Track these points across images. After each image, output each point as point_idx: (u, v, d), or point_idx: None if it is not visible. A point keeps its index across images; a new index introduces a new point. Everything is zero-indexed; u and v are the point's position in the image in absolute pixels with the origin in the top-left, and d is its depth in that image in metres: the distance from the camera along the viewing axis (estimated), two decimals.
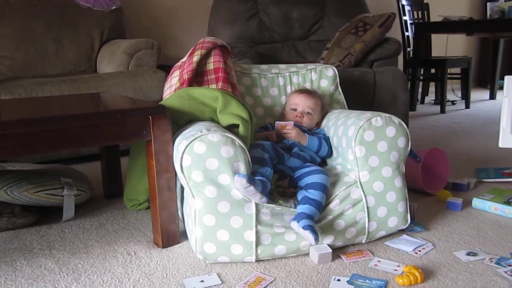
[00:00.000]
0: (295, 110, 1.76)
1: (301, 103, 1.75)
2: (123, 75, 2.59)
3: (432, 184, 1.98)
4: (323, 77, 1.92)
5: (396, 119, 1.50)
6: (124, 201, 1.87)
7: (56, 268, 1.39)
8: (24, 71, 2.88)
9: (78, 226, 1.70)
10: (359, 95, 2.15)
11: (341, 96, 1.93)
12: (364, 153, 1.46)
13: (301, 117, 1.73)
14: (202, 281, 1.28)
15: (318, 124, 1.79)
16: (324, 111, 1.81)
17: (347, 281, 1.28)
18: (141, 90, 2.56)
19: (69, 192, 1.74)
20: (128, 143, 1.54)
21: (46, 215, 1.77)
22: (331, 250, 1.39)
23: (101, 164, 2.04)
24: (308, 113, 1.74)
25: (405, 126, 1.51)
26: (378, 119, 1.48)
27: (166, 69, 2.65)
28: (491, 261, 1.39)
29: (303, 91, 1.80)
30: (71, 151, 2.46)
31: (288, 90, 1.90)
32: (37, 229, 1.67)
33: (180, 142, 1.34)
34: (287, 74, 1.91)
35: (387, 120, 1.48)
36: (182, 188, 1.54)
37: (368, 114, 1.52)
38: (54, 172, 1.85)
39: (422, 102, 4.83)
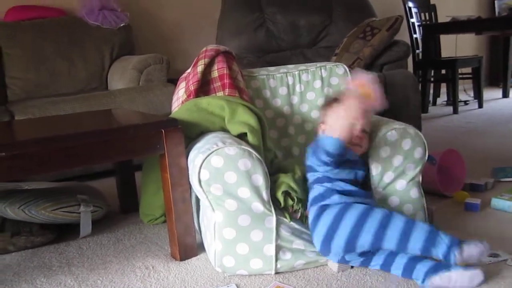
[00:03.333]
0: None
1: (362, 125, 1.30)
2: (134, 90, 2.62)
3: (449, 186, 1.95)
4: (333, 75, 1.87)
5: (412, 130, 1.45)
6: (140, 216, 1.88)
7: (76, 285, 1.39)
8: (37, 91, 2.92)
9: (95, 242, 1.70)
10: None
11: None
12: (380, 170, 1.43)
13: (361, 140, 1.43)
14: None
15: None
16: None
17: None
18: (152, 104, 2.57)
19: (86, 209, 1.75)
20: (142, 157, 1.55)
21: (64, 232, 1.78)
22: None
23: (115, 180, 2.06)
24: (366, 132, 1.44)
25: (422, 136, 1.46)
26: (393, 133, 1.42)
27: (176, 82, 2.66)
28: None
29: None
30: (85, 168, 2.48)
31: (297, 89, 1.84)
32: (55, 247, 1.68)
33: (196, 157, 1.34)
34: (296, 72, 1.86)
35: (402, 133, 1.43)
36: (197, 199, 1.54)
37: (381, 127, 1.47)
38: (70, 189, 1.87)
39: (434, 103, 4.79)
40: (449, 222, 1.68)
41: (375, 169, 1.43)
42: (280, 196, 1.37)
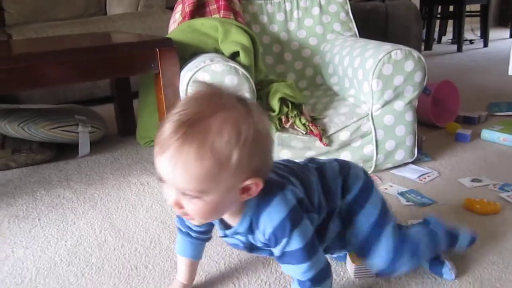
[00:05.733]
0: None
1: (166, 178, 0.70)
2: (133, 16, 2.59)
3: (442, 117, 1.97)
4: (332, 2, 1.85)
5: (415, 53, 1.46)
6: (137, 138, 1.92)
7: (74, 197, 1.46)
8: (35, 16, 2.88)
9: (94, 161, 1.76)
10: (370, 29, 2.11)
11: (352, 24, 1.87)
12: (381, 87, 1.45)
13: (180, 208, 0.72)
14: None
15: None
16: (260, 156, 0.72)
17: (398, 193, 1.37)
18: (151, 30, 2.55)
19: (84, 129, 1.80)
20: (136, 75, 1.56)
21: (64, 152, 1.83)
22: None
23: (114, 105, 2.08)
24: (191, 196, 0.69)
25: (424, 61, 1.48)
26: (398, 52, 1.43)
27: None
28: (495, 187, 1.41)
29: (166, 141, 0.67)
30: (85, 93, 2.50)
31: (295, 15, 1.83)
32: (55, 164, 1.74)
33: (185, 74, 1.36)
34: None
35: (407, 54, 1.44)
36: None
37: (387, 46, 1.48)
38: (69, 110, 1.90)
39: (439, 41, 4.71)
40: (438, 151, 1.71)
41: (376, 85, 1.45)
42: (275, 104, 1.40)
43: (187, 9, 1.64)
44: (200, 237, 0.93)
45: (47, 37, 1.97)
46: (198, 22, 1.56)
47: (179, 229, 0.94)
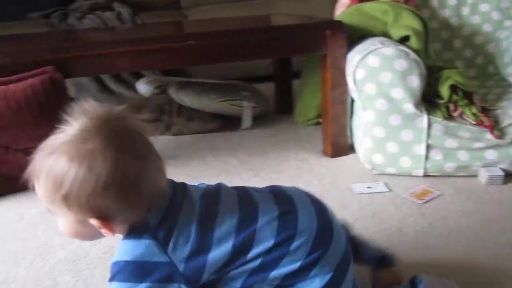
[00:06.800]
0: None
1: None
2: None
3: None
4: None
5: None
6: (295, 117, 2.01)
7: (239, 165, 1.59)
8: None
9: (254, 135, 1.89)
10: None
11: None
12: None
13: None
14: (369, 187, 1.36)
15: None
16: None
17: None
18: (310, 13, 2.60)
19: (248, 104, 1.94)
20: (306, 55, 1.64)
21: (227, 123, 2.00)
22: (503, 173, 1.35)
23: (274, 84, 2.19)
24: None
25: None
26: None
27: None
28: None
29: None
30: (246, 70, 2.66)
31: (469, 0, 1.74)
32: (220, 134, 1.91)
33: (354, 57, 1.39)
34: None
35: None
36: (351, 104, 1.60)
37: None
38: (235, 86, 2.07)
39: None
40: None
41: None
42: (445, 91, 1.37)
43: None
44: None
45: (217, 18, 2.14)
46: (368, 6, 1.57)
47: None
